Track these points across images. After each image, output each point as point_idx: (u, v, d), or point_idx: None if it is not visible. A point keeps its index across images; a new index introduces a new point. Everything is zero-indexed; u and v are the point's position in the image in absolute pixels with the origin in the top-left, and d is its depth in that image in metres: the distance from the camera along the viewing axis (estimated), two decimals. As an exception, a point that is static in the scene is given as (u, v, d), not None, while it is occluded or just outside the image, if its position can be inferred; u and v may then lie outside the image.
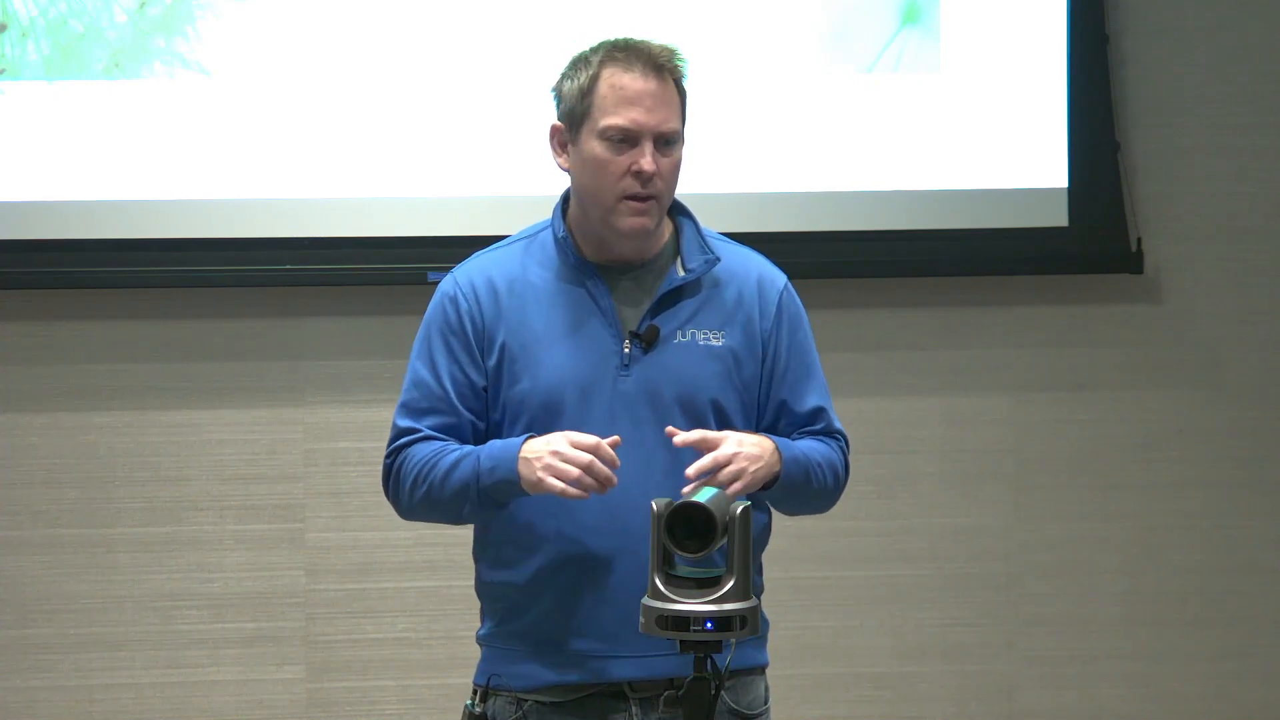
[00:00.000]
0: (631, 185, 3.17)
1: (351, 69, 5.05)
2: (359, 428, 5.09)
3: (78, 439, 5.10)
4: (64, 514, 5.10)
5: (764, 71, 5.12)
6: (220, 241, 5.03)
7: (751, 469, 3.12)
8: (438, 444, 3.20)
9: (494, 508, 3.19)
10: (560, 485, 3.06)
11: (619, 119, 3.17)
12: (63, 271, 5.03)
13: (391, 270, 5.05)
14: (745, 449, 3.12)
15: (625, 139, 3.17)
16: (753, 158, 5.12)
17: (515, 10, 5.05)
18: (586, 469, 3.06)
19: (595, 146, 3.18)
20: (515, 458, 3.11)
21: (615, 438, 3.10)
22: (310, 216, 5.05)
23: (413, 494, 3.21)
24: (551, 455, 3.08)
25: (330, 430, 5.12)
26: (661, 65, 3.19)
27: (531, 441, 3.12)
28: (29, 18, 5.00)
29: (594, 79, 3.19)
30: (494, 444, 3.16)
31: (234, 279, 5.06)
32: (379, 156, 5.06)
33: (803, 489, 3.23)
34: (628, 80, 3.18)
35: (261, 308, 5.12)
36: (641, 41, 3.23)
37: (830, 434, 3.30)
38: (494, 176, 5.02)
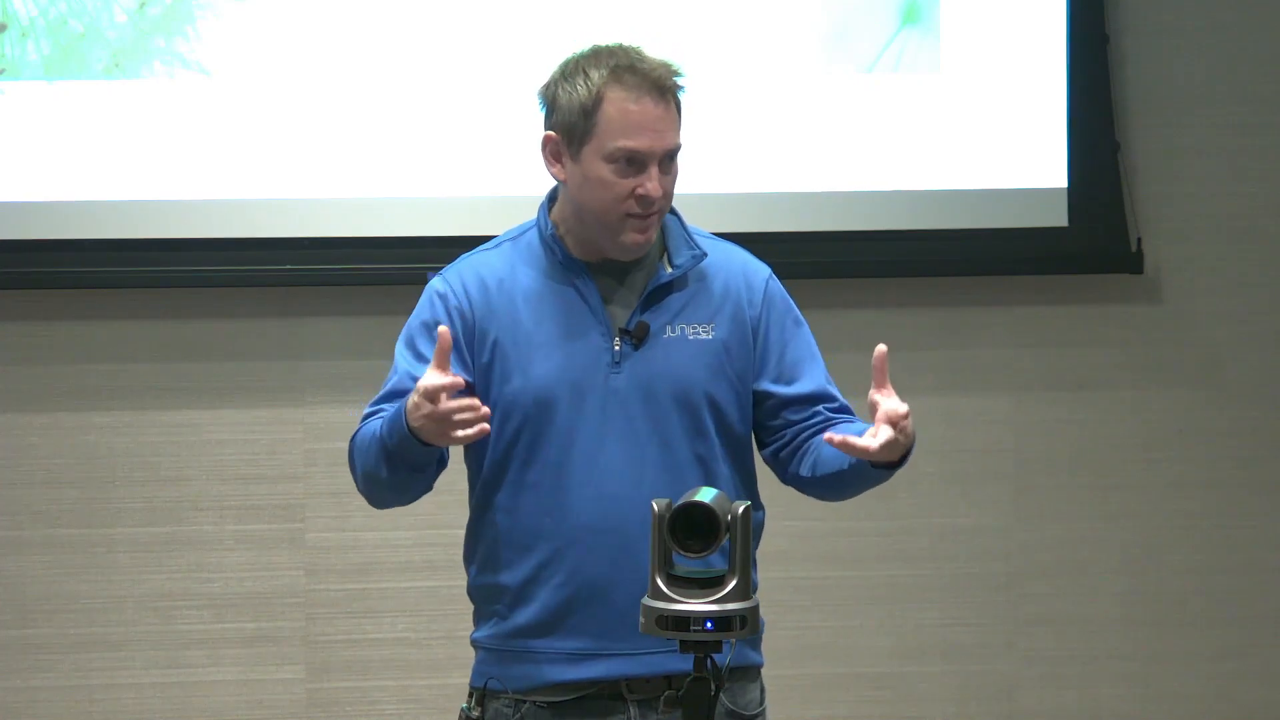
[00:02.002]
0: (635, 207, 3.18)
1: (351, 69, 5.05)
2: (359, 428, 5.09)
3: (78, 439, 5.10)
4: (64, 514, 5.10)
5: (764, 71, 5.12)
6: (220, 241, 5.03)
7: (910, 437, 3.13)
8: (375, 422, 3.21)
9: (415, 470, 3.17)
10: (466, 434, 3.03)
11: (628, 143, 3.16)
12: (63, 271, 5.03)
13: (391, 270, 5.05)
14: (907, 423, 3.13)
15: (633, 161, 3.17)
16: (753, 158, 5.12)
17: (515, 10, 5.05)
18: (458, 414, 3.02)
19: (600, 168, 3.18)
20: (404, 423, 3.08)
21: (444, 330, 3.05)
22: (310, 216, 5.05)
23: (361, 475, 3.27)
24: (426, 419, 3.03)
25: (330, 430, 5.12)
26: (666, 86, 3.19)
27: (408, 405, 3.08)
28: (29, 18, 5.00)
29: (599, 99, 3.17)
30: (389, 411, 3.15)
31: (234, 279, 5.07)
32: (379, 156, 5.06)
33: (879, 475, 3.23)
34: (636, 107, 3.17)
35: (261, 308, 5.12)
36: (642, 60, 3.20)
37: (844, 412, 3.31)
38: (494, 176, 5.02)
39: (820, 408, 3.30)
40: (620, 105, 3.17)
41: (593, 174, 3.18)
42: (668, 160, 3.19)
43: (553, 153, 3.24)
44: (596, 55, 3.22)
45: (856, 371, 5.21)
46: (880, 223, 5.17)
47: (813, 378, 3.30)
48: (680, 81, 3.21)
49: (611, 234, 3.19)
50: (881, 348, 3.15)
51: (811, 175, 5.15)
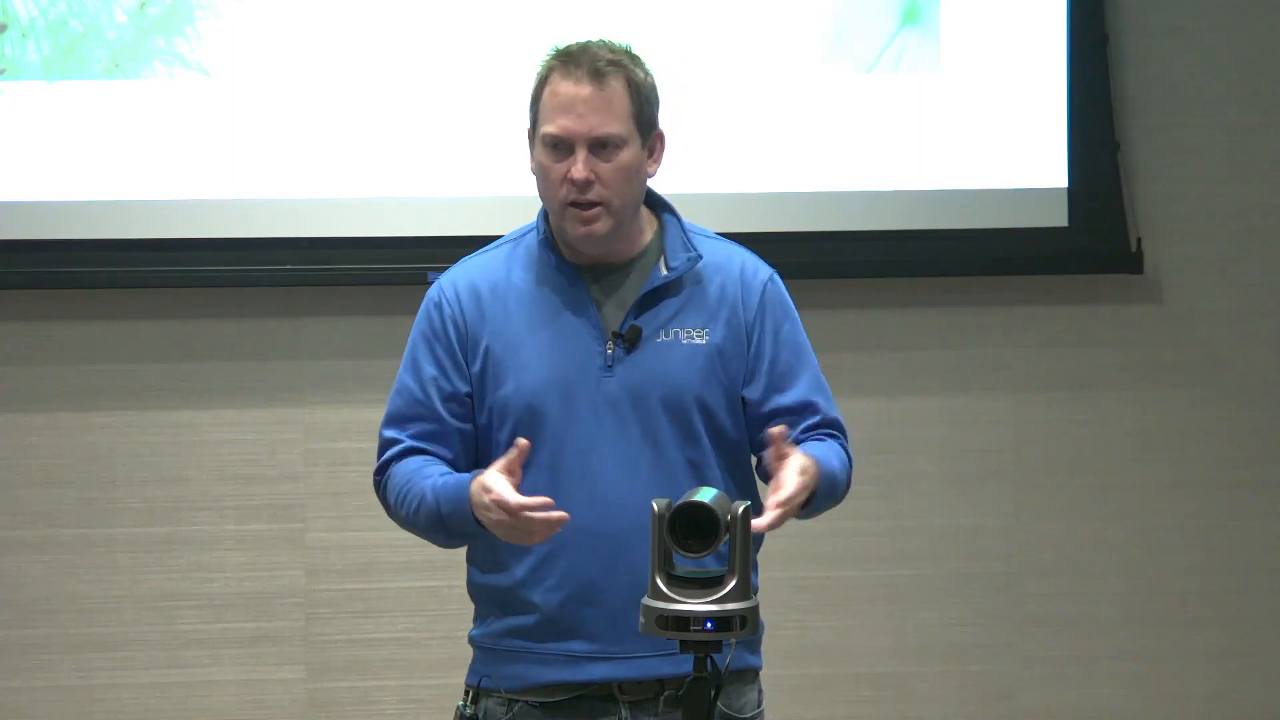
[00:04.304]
0: (569, 193, 3.16)
1: (351, 69, 5.05)
2: (359, 428, 5.09)
3: (78, 439, 5.10)
4: (64, 514, 5.10)
5: (764, 71, 5.12)
6: (220, 241, 5.04)
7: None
8: (415, 464, 3.20)
9: (474, 537, 3.20)
10: (528, 542, 3.08)
11: (551, 126, 3.17)
12: (63, 271, 5.03)
13: (391, 270, 5.05)
14: (800, 499, 3.07)
15: (559, 145, 3.17)
16: (752, 158, 5.12)
17: (515, 10, 5.06)
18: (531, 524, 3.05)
19: (539, 154, 3.19)
20: (468, 508, 3.09)
21: (523, 442, 3.06)
22: (310, 216, 5.05)
23: (396, 516, 3.24)
24: (496, 526, 3.05)
25: (330, 430, 5.12)
26: (600, 70, 3.16)
27: (473, 489, 3.08)
28: (29, 18, 5.00)
29: (540, 86, 3.20)
30: (447, 486, 3.14)
31: (234, 279, 5.07)
32: (379, 156, 5.06)
33: (824, 502, 3.19)
34: (563, 87, 3.16)
35: (261, 308, 5.12)
36: (588, 45, 3.20)
37: (826, 426, 3.27)
38: (494, 176, 5.02)
39: (805, 420, 3.26)
40: (550, 89, 3.18)
41: (536, 160, 3.21)
42: (602, 147, 3.16)
43: (530, 147, 3.25)
44: (556, 49, 3.24)
45: (856, 371, 5.26)
46: (880, 223, 5.17)
47: (801, 389, 3.26)
48: (627, 66, 3.17)
49: (561, 224, 3.20)
50: (778, 429, 3.09)
51: (811, 175, 5.15)
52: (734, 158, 5.10)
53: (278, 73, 5.03)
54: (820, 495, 3.15)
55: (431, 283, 3.32)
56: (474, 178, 5.06)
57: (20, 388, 5.09)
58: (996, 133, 5.19)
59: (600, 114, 3.15)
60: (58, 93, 5.01)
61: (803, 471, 3.06)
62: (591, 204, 3.16)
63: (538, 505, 3.01)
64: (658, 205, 3.29)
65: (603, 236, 3.18)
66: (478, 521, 3.08)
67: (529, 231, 3.29)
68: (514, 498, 3.01)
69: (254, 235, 5.05)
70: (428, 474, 3.18)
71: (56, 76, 5.01)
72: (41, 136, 5.00)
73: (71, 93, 5.01)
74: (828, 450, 3.22)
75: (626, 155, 3.18)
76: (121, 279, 5.05)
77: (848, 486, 3.27)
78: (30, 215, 5.00)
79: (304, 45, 5.04)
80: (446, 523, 3.14)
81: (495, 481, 3.03)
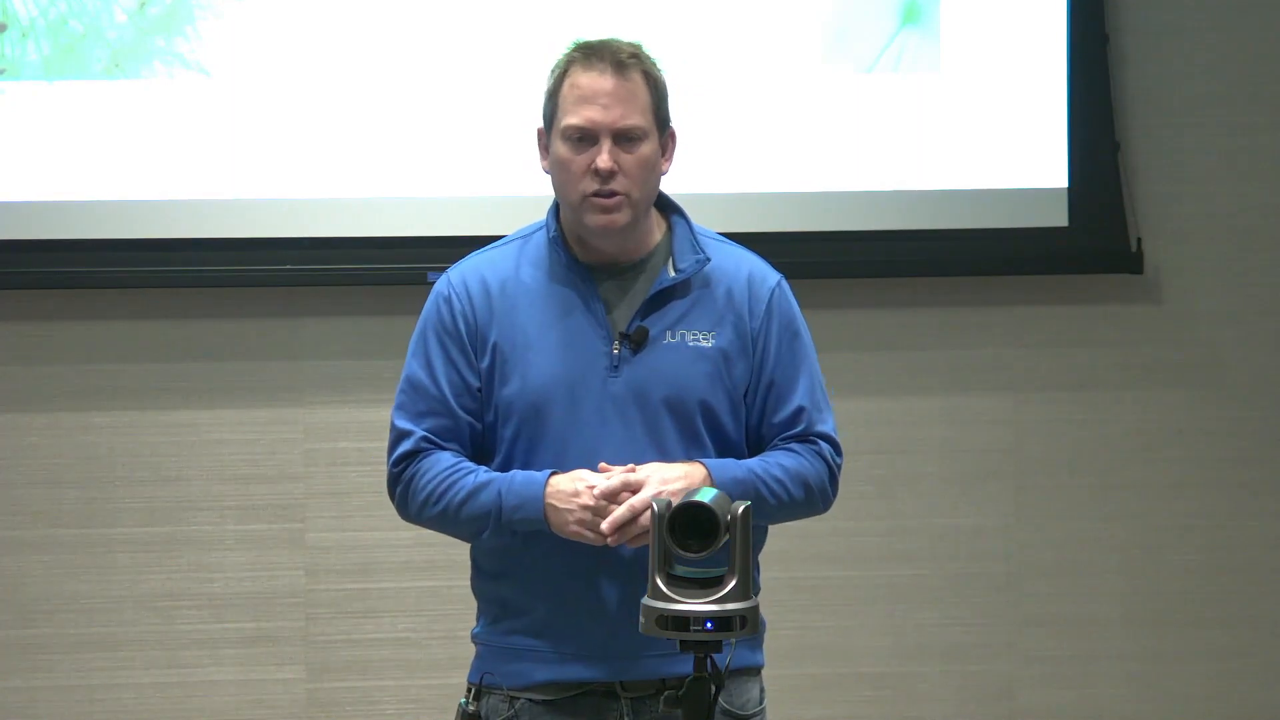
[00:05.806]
0: (592, 184, 3.17)
1: (351, 69, 5.05)
2: (359, 428, 5.09)
3: (78, 439, 5.10)
4: (64, 514, 5.10)
5: (764, 71, 5.12)
6: (220, 241, 5.03)
7: None
8: (449, 461, 3.20)
9: (513, 536, 3.20)
10: (596, 540, 3.10)
11: (575, 118, 3.17)
12: (63, 271, 5.03)
13: (391, 270, 5.05)
14: (669, 489, 3.11)
15: (583, 138, 3.17)
16: (752, 158, 5.12)
17: (516, 10, 5.06)
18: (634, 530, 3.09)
19: (560, 147, 3.20)
20: (541, 500, 3.12)
21: (631, 466, 3.13)
22: (310, 216, 5.05)
23: (423, 510, 3.22)
24: (583, 510, 3.09)
25: (330, 430, 5.12)
26: (622, 62, 3.18)
27: (556, 483, 3.12)
28: (29, 18, 5.00)
29: (559, 80, 3.21)
30: (515, 479, 3.16)
31: (234, 279, 5.06)
32: (379, 156, 5.06)
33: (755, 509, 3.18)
34: (586, 79, 3.18)
35: (261, 308, 5.12)
36: (608, 40, 3.22)
37: (808, 437, 3.27)
38: (494, 176, 5.02)
39: (787, 433, 3.26)
40: (573, 81, 3.19)
41: (555, 154, 3.20)
42: (626, 140, 3.17)
43: (542, 146, 3.26)
44: (574, 44, 3.24)
45: (856, 371, 5.26)
46: (880, 223, 5.17)
47: (793, 401, 3.27)
48: (647, 61, 3.19)
49: (580, 217, 3.20)
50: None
51: (811, 175, 5.15)
52: (734, 158, 5.10)
53: (278, 73, 5.03)
54: (731, 493, 3.13)
55: (432, 283, 3.32)
56: (474, 178, 5.06)
57: (20, 388, 5.09)
58: (996, 133, 5.19)
59: (624, 105, 3.17)
60: (58, 93, 5.01)
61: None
62: (613, 193, 3.17)
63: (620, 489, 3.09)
64: (667, 207, 3.30)
65: (622, 228, 3.19)
66: (544, 520, 3.11)
67: (538, 229, 3.30)
68: (607, 482, 3.09)
69: (254, 235, 5.04)
70: (468, 468, 3.19)
71: (56, 76, 5.01)
72: (41, 136, 5.00)
73: (71, 93, 5.01)
74: (777, 458, 3.22)
75: (647, 149, 3.19)
76: (121, 279, 5.05)
77: (807, 502, 3.25)
78: (30, 215, 5.00)
79: (304, 45, 5.04)
80: (504, 516, 3.14)
81: (588, 474, 3.11)
